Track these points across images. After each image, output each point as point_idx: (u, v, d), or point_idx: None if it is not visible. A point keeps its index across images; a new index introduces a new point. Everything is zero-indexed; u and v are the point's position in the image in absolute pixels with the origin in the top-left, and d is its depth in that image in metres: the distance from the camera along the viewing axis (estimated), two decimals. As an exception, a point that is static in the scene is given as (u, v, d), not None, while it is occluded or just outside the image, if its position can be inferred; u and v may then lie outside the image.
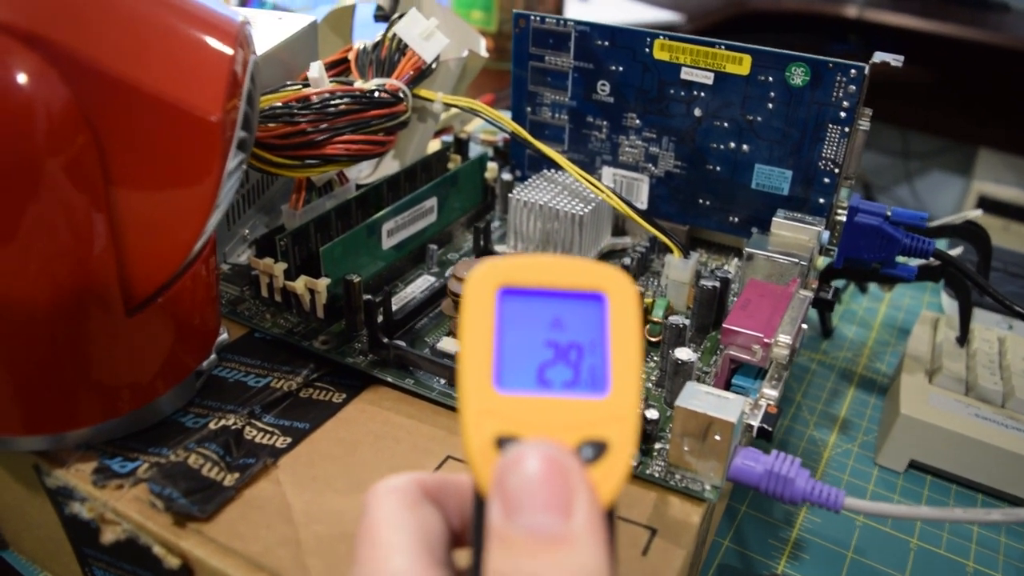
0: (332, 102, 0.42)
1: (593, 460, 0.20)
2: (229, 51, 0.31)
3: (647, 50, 0.46)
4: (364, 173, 0.52)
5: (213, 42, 0.31)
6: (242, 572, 0.30)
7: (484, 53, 0.56)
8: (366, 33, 0.49)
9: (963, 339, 0.55)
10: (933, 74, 1.77)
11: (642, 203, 0.50)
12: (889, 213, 0.45)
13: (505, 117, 0.47)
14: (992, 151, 1.82)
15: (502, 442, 0.20)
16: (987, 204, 1.63)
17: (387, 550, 0.20)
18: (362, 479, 0.34)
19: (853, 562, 0.43)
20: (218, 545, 0.30)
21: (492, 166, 0.54)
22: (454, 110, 0.57)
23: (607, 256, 0.49)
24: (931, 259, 0.51)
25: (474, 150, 0.58)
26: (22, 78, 0.26)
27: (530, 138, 0.46)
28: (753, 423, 0.35)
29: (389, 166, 0.51)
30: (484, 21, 1.15)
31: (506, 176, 0.52)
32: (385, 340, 0.39)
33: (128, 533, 0.32)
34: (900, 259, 0.47)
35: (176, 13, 0.31)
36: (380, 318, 0.39)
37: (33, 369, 0.32)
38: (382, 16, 0.57)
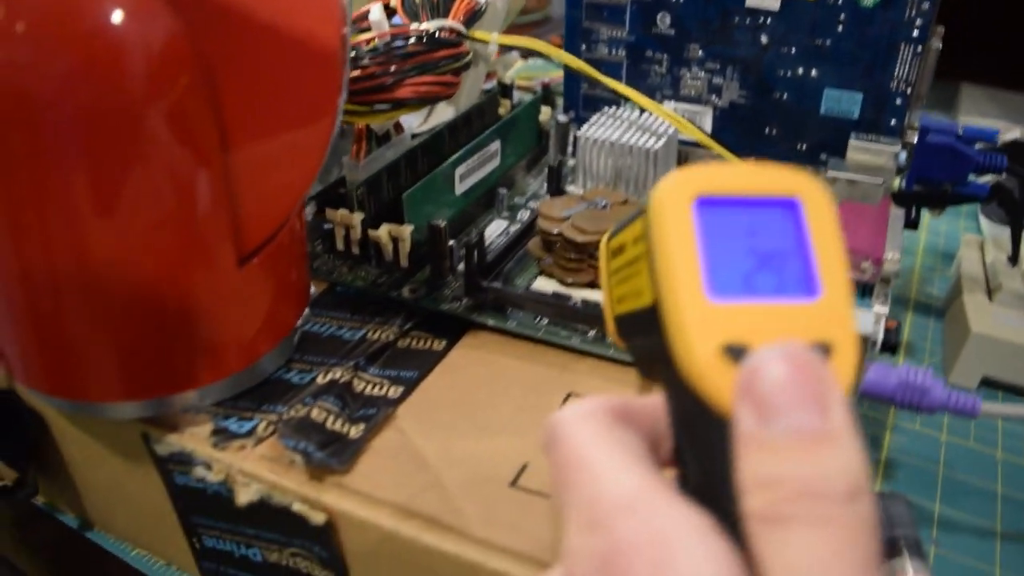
0: (398, 44, 0.41)
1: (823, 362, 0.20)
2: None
3: (710, -23, 0.45)
4: (416, 123, 0.51)
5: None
6: (393, 520, 0.29)
7: (524, -6, 0.54)
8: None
9: (1015, 258, 0.56)
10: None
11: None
12: (960, 131, 0.45)
13: (566, 54, 0.46)
14: (974, 86, 1.83)
15: (732, 351, 0.19)
16: (968, 139, 1.65)
17: (611, 472, 0.19)
18: (486, 422, 0.33)
19: (945, 475, 0.44)
20: (363, 496, 0.29)
21: (545, 109, 0.52)
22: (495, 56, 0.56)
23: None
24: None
25: (517, 96, 0.56)
26: (117, 12, 0.25)
27: (595, 73, 0.45)
28: (876, 339, 0.35)
29: (443, 113, 0.50)
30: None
31: (562, 118, 0.51)
32: (484, 283, 0.38)
33: (261, 493, 0.31)
34: (971, 178, 0.46)
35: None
36: (475, 261, 0.38)
37: (140, 331, 0.30)
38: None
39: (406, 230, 0.40)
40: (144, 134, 0.26)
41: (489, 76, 0.57)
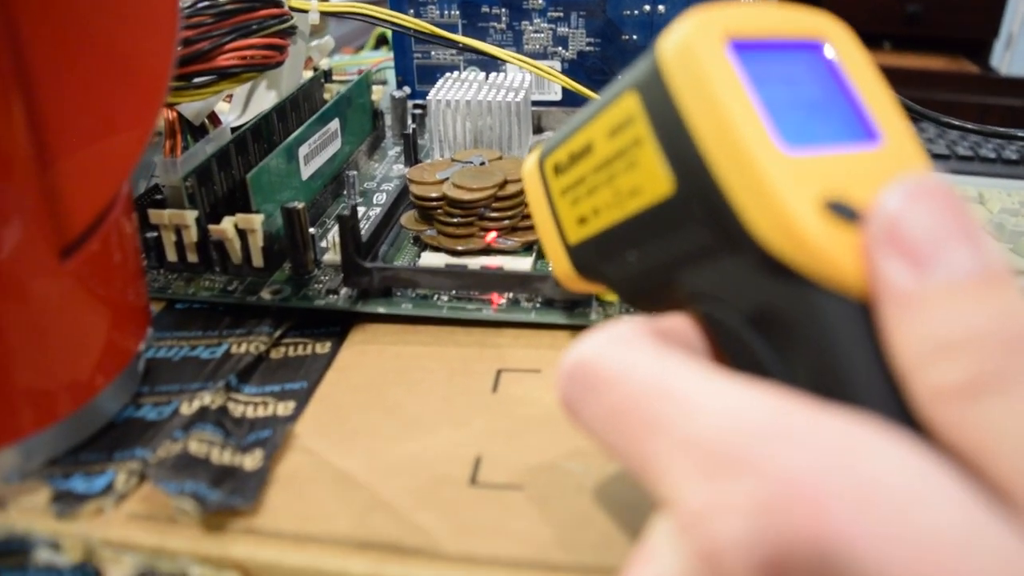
0: (212, 2, 0.34)
1: None
2: None
3: (541, -84, 0.42)
4: (233, 117, 0.43)
5: None
6: (339, 557, 0.22)
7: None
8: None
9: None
10: None
11: (557, 92, 0.46)
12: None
13: (402, 15, 0.41)
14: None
15: (836, 208, 0.15)
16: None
17: (722, 395, 0.14)
18: (414, 419, 0.27)
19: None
20: (286, 538, 0.22)
21: (376, 88, 0.47)
22: (312, 43, 0.50)
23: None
24: None
25: (335, 85, 0.50)
26: None
27: (438, 31, 0.40)
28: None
29: (263, 100, 0.43)
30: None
31: (397, 93, 0.46)
32: (367, 264, 0.31)
33: (141, 566, 0.22)
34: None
35: None
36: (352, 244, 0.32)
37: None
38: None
39: (256, 219, 0.32)
40: None
41: (306, 63, 0.50)
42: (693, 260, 0.17)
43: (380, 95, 0.47)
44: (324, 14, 0.41)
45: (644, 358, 0.16)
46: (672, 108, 0.16)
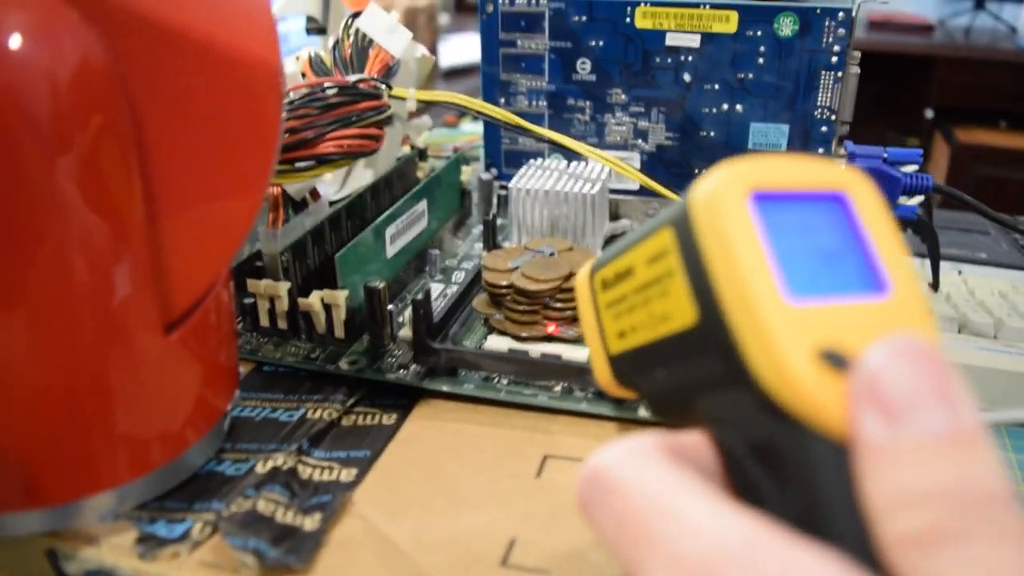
0: (318, 95, 0.38)
1: None
2: None
3: (628, 20, 0.44)
4: (332, 190, 0.47)
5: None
6: (374, 621, 0.24)
7: (430, 54, 0.52)
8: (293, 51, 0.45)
9: (936, 285, 0.56)
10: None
11: (634, 183, 0.48)
12: (886, 155, 0.45)
13: (492, 106, 0.44)
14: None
15: (829, 357, 0.16)
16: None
17: (703, 518, 0.16)
18: (460, 497, 0.29)
19: None
20: (332, 596, 0.25)
21: (466, 168, 0.50)
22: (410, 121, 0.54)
23: (610, 242, 0.47)
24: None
25: (430, 160, 0.54)
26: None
27: (524, 123, 0.43)
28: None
29: (361, 178, 0.47)
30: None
31: (485, 175, 0.49)
32: (435, 345, 0.34)
33: (205, 607, 0.25)
34: (901, 200, 0.46)
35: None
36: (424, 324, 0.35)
37: (46, 423, 0.25)
38: (316, 28, 0.53)
39: (340, 295, 0.36)
40: (50, 190, 0.22)
41: (404, 140, 0.54)
42: (709, 387, 0.19)
43: (470, 175, 0.50)
44: (421, 102, 0.44)
45: (652, 474, 0.17)
46: (697, 250, 0.18)
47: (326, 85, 0.38)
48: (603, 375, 0.24)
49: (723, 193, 0.18)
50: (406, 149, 0.52)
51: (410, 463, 0.31)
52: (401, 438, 0.32)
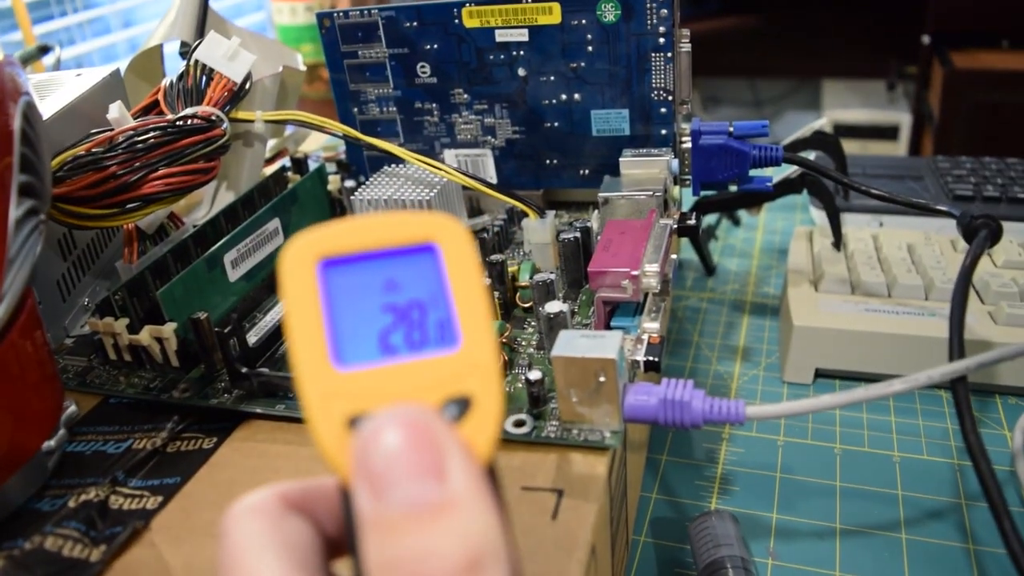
0: (139, 138, 0.40)
1: (460, 417, 0.18)
2: (-19, 91, 0.28)
3: (456, 21, 0.45)
4: (200, 214, 0.49)
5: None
6: (122, 648, 0.27)
7: (301, 66, 0.54)
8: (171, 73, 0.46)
9: (838, 243, 0.56)
10: (760, 19, 1.84)
11: (491, 177, 0.49)
12: (731, 129, 0.45)
13: (330, 121, 0.45)
14: (834, 80, 1.89)
15: (355, 422, 0.18)
16: (842, 130, 1.70)
17: (250, 570, 0.18)
18: (245, 518, 0.31)
19: (783, 480, 0.43)
20: (91, 626, 0.27)
21: (334, 178, 0.51)
22: (286, 131, 0.55)
23: (470, 238, 0.48)
24: (791, 171, 0.51)
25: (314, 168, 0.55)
26: None
27: (358, 135, 0.44)
28: (638, 358, 0.34)
29: (224, 199, 0.49)
30: (315, 53, 1.13)
31: (349, 183, 0.50)
32: (244, 370, 0.36)
33: (-11, 642, 0.28)
34: (754, 173, 0.46)
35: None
36: (236, 349, 0.37)
37: None
38: (188, 51, 0.55)
39: (168, 329, 0.38)
40: None
41: (283, 153, 0.56)
42: None
43: (338, 184, 0.51)
44: (268, 122, 0.46)
45: (245, 528, 0.19)
46: (283, 315, 0.20)
47: (145, 128, 0.40)
48: None
49: (289, 261, 0.19)
50: (286, 161, 0.54)
51: (212, 486, 0.33)
52: (214, 462, 0.35)
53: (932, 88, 1.49)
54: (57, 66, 0.94)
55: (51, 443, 0.34)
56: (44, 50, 1.09)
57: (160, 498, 0.33)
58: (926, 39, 1.49)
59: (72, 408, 0.37)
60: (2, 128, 0.28)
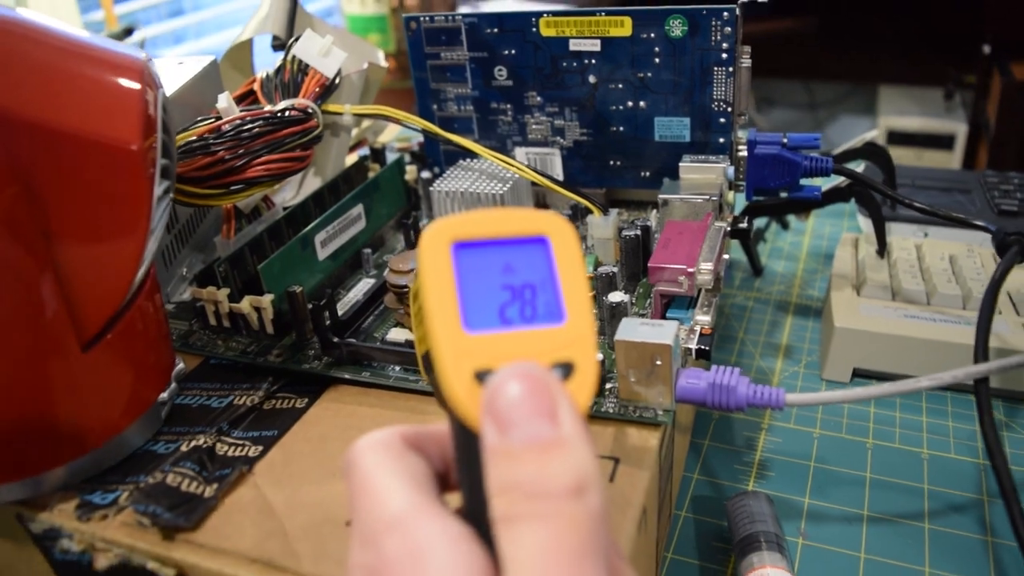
0: (245, 127, 0.44)
1: (564, 379, 0.22)
2: (137, 86, 0.33)
3: (534, 29, 0.49)
4: (289, 196, 0.54)
5: (122, 80, 0.33)
6: (236, 568, 0.31)
7: (383, 63, 0.58)
8: (267, 65, 0.51)
9: (882, 250, 0.59)
10: (817, 21, 1.84)
11: (558, 175, 0.53)
12: (785, 140, 0.48)
13: (413, 116, 0.49)
14: (891, 86, 1.89)
15: (481, 376, 0.22)
16: (896, 137, 1.70)
17: (384, 495, 0.22)
18: (334, 469, 0.36)
19: (816, 469, 0.46)
20: (209, 549, 0.32)
21: (411, 168, 0.56)
22: (366, 123, 0.60)
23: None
24: (840, 181, 0.54)
25: (391, 158, 0.60)
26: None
27: (439, 130, 0.49)
28: (691, 346, 0.37)
29: (312, 184, 0.53)
30: (382, 43, 1.17)
31: (425, 175, 0.54)
32: (335, 339, 0.40)
33: (120, 557, 0.33)
34: (804, 182, 0.50)
35: (84, 59, 0.33)
36: (327, 320, 0.41)
37: (2, 419, 0.33)
38: (279, 45, 0.59)
39: (266, 300, 0.42)
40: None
41: (362, 143, 0.60)
42: (438, 390, 0.25)
43: (414, 175, 0.55)
44: (356, 115, 0.50)
45: (372, 457, 0.23)
46: (420, 288, 0.24)
47: (250, 118, 0.44)
48: (421, 367, 0.29)
49: (428, 242, 0.23)
50: (366, 151, 0.58)
51: (305, 441, 0.38)
52: (306, 420, 0.39)
53: (990, 99, 1.49)
54: (142, 46, 1.00)
55: (164, 395, 0.39)
56: (129, 31, 1.15)
57: (260, 447, 0.37)
58: (987, 48, 1.49)
59: (181, 365, 0.42)
60: (149, 117, 0.33)
